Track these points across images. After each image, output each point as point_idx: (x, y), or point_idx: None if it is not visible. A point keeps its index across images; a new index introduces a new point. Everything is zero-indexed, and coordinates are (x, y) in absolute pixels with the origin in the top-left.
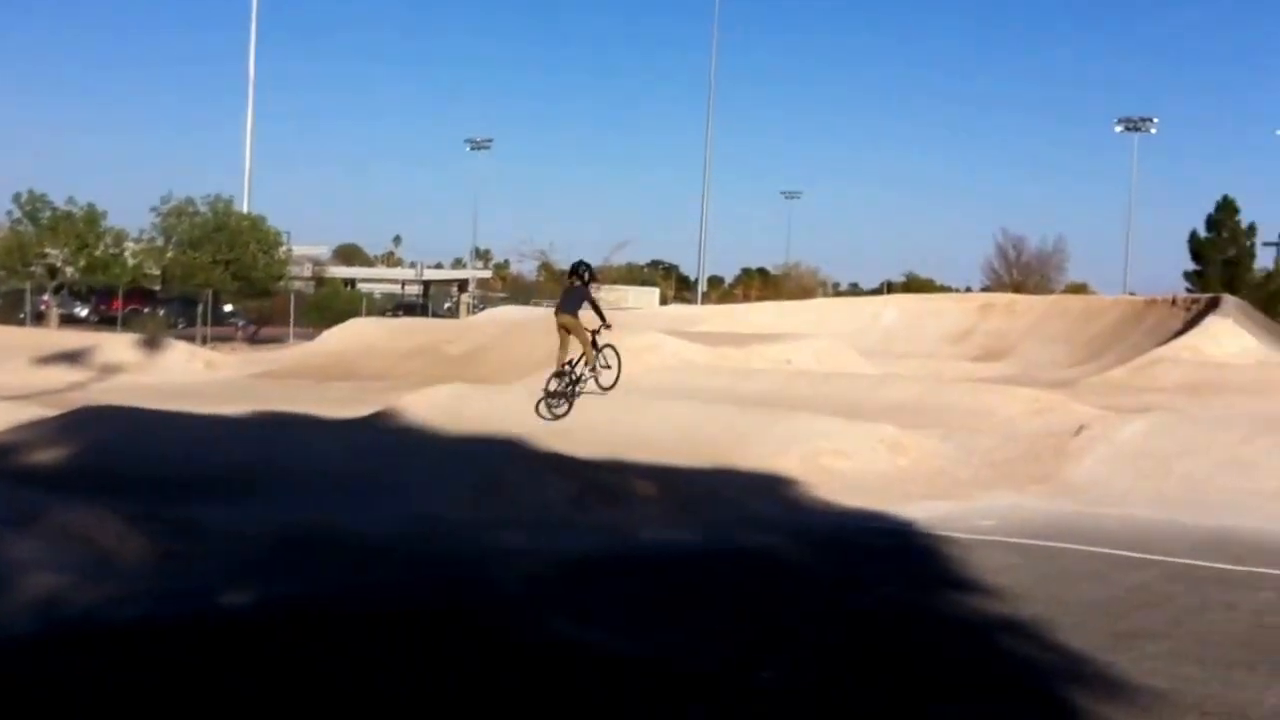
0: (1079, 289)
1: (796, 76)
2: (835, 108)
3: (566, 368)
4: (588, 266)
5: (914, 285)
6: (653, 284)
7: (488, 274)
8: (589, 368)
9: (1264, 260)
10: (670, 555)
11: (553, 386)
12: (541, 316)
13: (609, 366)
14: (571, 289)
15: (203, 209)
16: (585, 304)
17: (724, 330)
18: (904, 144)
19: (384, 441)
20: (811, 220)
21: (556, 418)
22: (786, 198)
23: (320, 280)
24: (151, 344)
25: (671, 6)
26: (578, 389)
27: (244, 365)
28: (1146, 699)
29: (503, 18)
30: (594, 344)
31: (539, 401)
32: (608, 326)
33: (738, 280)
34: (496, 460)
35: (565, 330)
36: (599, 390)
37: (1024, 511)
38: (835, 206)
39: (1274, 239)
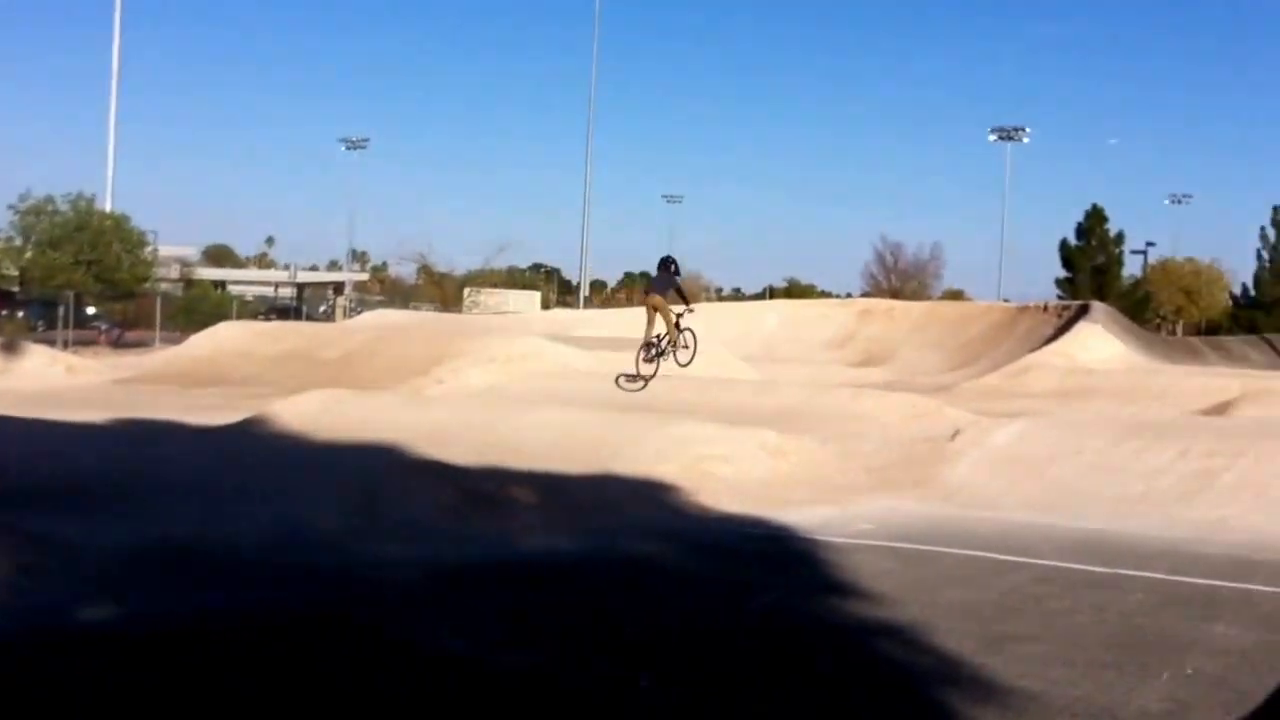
0: (955, 295)
1: (679, 80)
2: (717, 112)
3: (654, 341)
4: (674, 260)
5: (796, 291)
6: (535, 288)
7: (365, 277)
8: (671, 344)
9: (1132, 268)
10: (550, 563)
11: (641, 358)
12: (421, 320)
13: (686, 346)
14: (660, 276)
15: (63, 207)
16: (672, 289)
17: (607, 335)
18: (785, 150)
19: (254, 449)
20: (694, 224)
21: (638, 388)
22: (668, 201)
23: (189, 282)
24: (9, 348)
25: (553, 9)
26: (658, 365)
27: (107, 370)
28: (1019, 701)
29: (379, 16)
30: (677, 325)
31: (618, 377)
32: (690, 310)
33: (621, 284)
34: (372, 468)
35: (653, 309)
36: (678, 366)
37: (901, 515)
38: (718, 211)
39: (1141, 247)
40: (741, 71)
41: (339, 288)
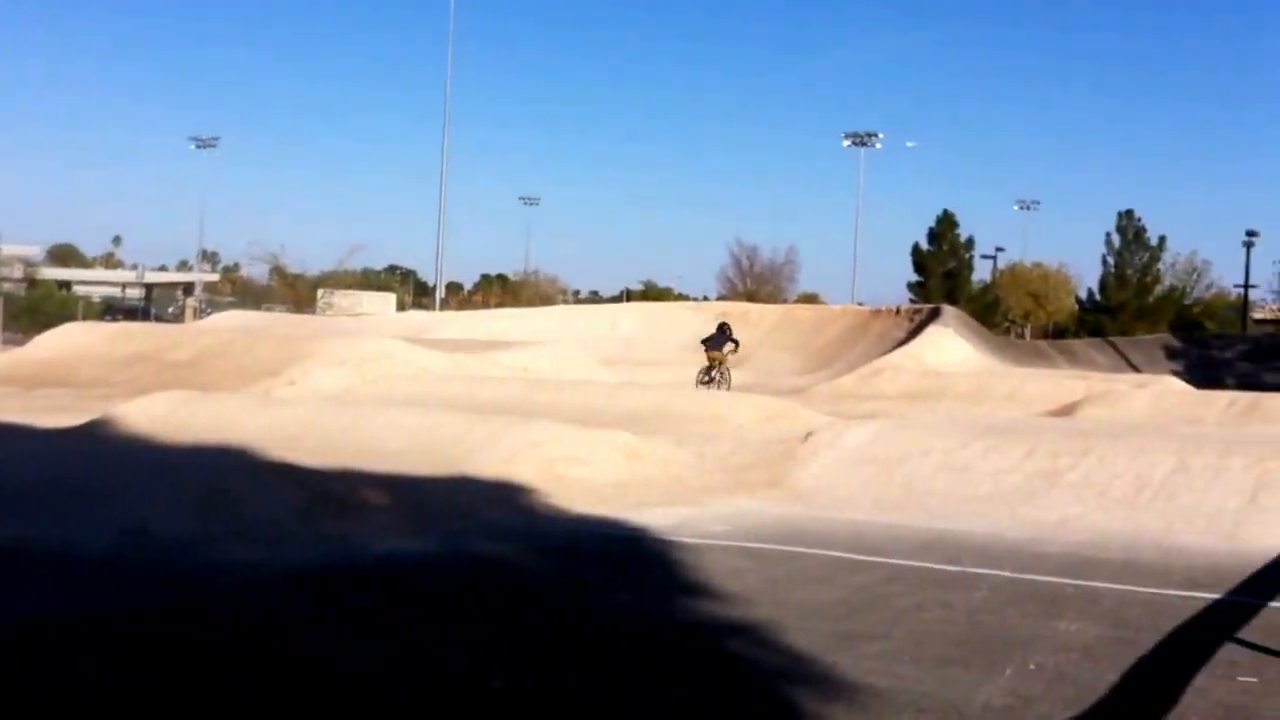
0: (811, 299)
1: (536, 82)
2: (574, 114)
3: (712, 372)
4: (729, 325)
5: (653, 294)
6: (390, 289)
7: (215, 277)
8: (721, 377)
9: (982, 272)
10: (403, 566)
11: (702, 378)
12: (273, 321)
13: (724, 379)
14: (716, 337)
15: None
16: (727, 343)
17: (462, 337)
18: (643, 154)
19: (98, 452)
20: (552, 227)
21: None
22: (525, 204)
23: (32, 282)
24: None
25: (406, 6)
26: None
27: None
28: (865, 698)
29: (228, 14)
30: (723, 362)
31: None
32: (735, 351)
33: (478, 286)
34: (220, 470)
35: (710, 358)
36: (725, 390)
37: (755, 516)
38: (575, 213)
39: (991, 252)
40: (598, 75)
41: (188, 288)
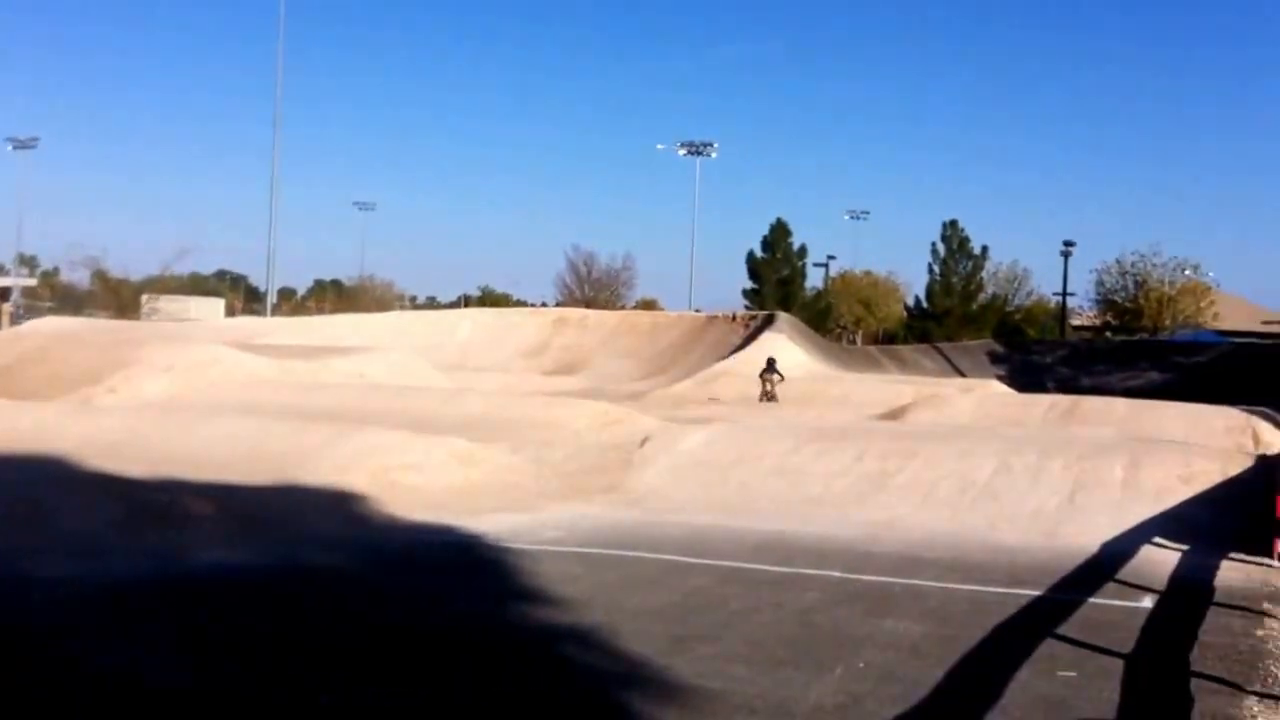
0: (649, 305)
1: (370, 85)
2: (410, 118)
3: (766, 390)
4: (774, 359)
5: (491, 300)
6: (219, 295)
7: (33, 282)
8: (769, 395)
9: (814, 280)
10: (228, 578)
11: (761, 398)
12: (94, 327)
13: (776, 398)
14: (769, 366)
15: None
16: (775, 373)
17: (295, 343)
18: (480, 159)
19: None
20: (387, 232)
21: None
22: (360, 209)
23: None
24: None
25: (237, 6)
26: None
27: None
28: (699, 700)
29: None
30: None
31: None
32: (782, 380)
33: (311, 292)
34: (34, 481)
35: (766, 380)
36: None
37: (591, 521)
38: (412, 219)
39: (823, 260)
40: (434, 78)
41: (4, 293)
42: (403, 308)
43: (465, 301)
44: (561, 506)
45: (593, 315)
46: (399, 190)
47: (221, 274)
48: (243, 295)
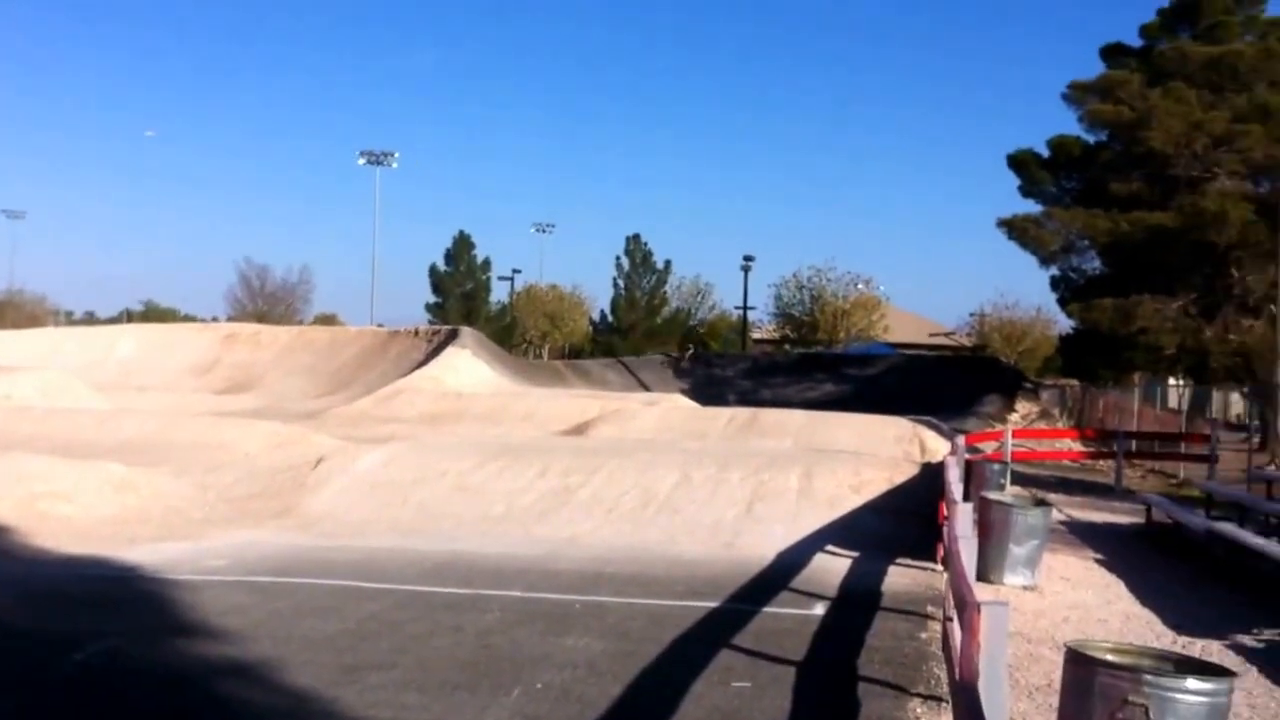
0: (329, 320)
1: (13, 82)
2: (63, 122)
3: None
4: None
5: (156, 315)
6: None
7: None
8: None
9: (500, 294)
10: None
11: None
12: None
13: None
14: None
15: None
16: None
17: None
18: (141, 164)
19: None
20: (39, 243)
21: None
22: (9, 217)
23: None
24: None
25: None
26: None
27: None
28: None
29: None
30: None
31: None
32: None
33: None
34: None
35: None
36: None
37: (260, 548)
38: (67, 229)
39: (508, 273)
40: (90, 77)
41: None
42: (57, 323)
43: (128, 316)
44: (229, 533)
45: (266, 331)
46: (53, 197)
47: None
48: None
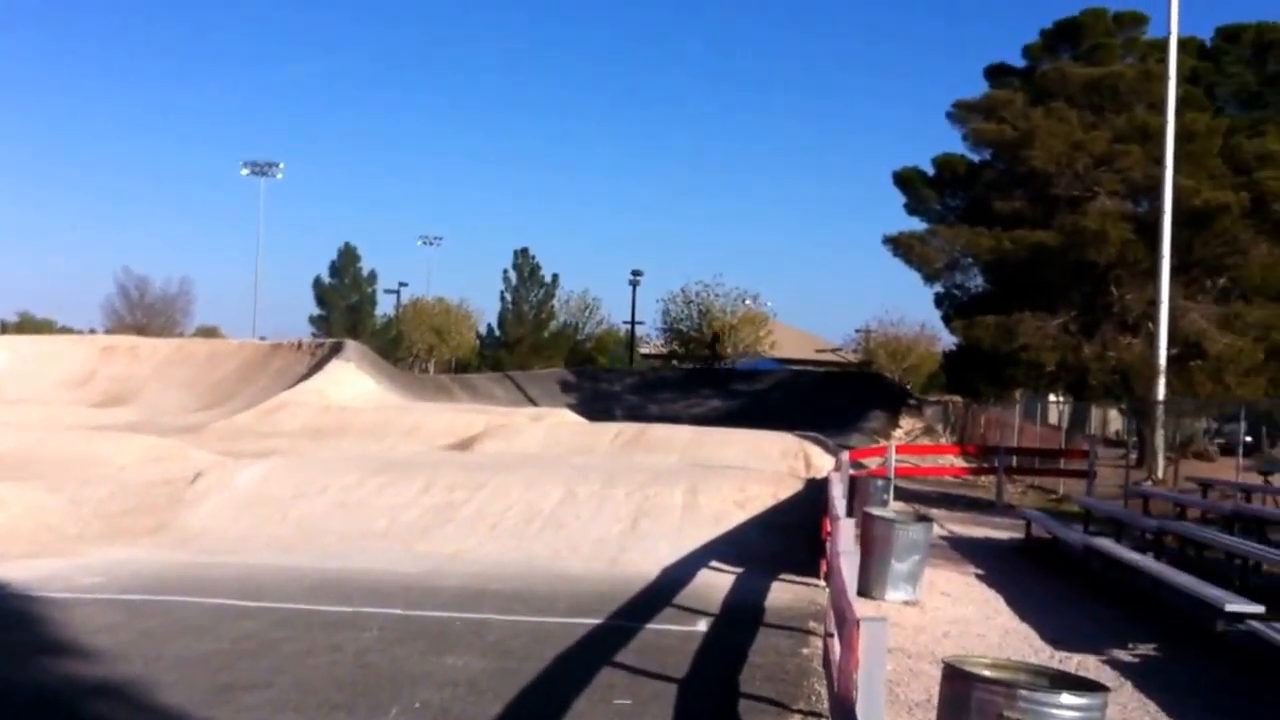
0: (210, 332)
1: None
2: None
3: None
4: None
5: (31, 326)
6: None
7: None
8: None
9: (385, 307)
10: None
11: None
12: None
13: None
14: None
15: None
16: None
17: None
18: (13, 168)
19: None
20: None
21: None
22: None
23: None
24: None
25: None
26: None
27: None
28: None
29: None
30: None
31: None
32: None
33: None
34: None
35: None
36: None
37: (135, 565)
38: None
39: (395, 286)
40: None
41: None
42: None
43: (2, 328)
44: (103, 550)
45: (145, 343)
46: None
47: None
48: None
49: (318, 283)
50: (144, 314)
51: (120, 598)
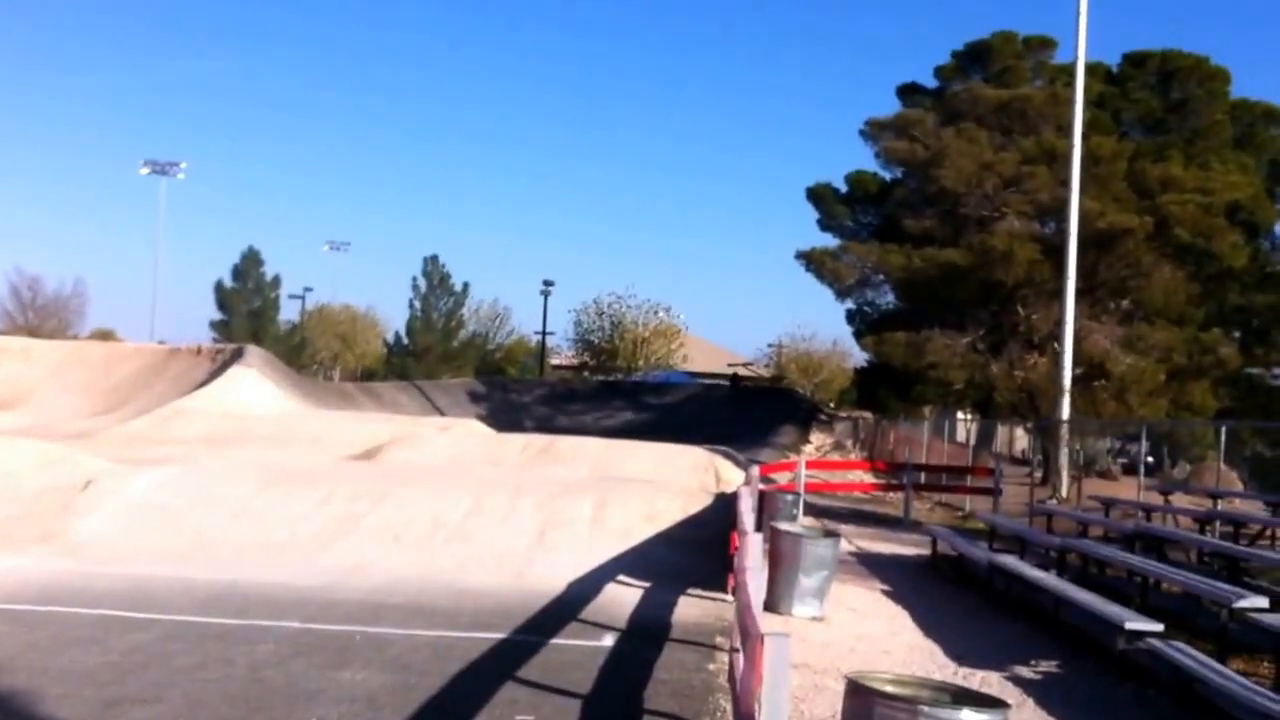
0: (106, 335)
1: None
2: None
3: None
4: None
5: None
6: None
7: None
8: None
9: (290, 312)
10: None
11: None
12: None
13: None
14: None
15: None
16: None
17: None
18: None
19: None
20: None
21: None
22: None
23: None
24: None
25: None
26: None
27: None
28: None
29: None
30: None
31: None
32: None
33: None
34: None
35: None
36: None
37: (19, 575)
38: None
39: (299, 291)
40: None
41: None
42: None
43: None
44: None
45: (37, 345)
46: None
47: None
48: None
49: (219, 286)
50: (36, 315)
51: (6, 608)
